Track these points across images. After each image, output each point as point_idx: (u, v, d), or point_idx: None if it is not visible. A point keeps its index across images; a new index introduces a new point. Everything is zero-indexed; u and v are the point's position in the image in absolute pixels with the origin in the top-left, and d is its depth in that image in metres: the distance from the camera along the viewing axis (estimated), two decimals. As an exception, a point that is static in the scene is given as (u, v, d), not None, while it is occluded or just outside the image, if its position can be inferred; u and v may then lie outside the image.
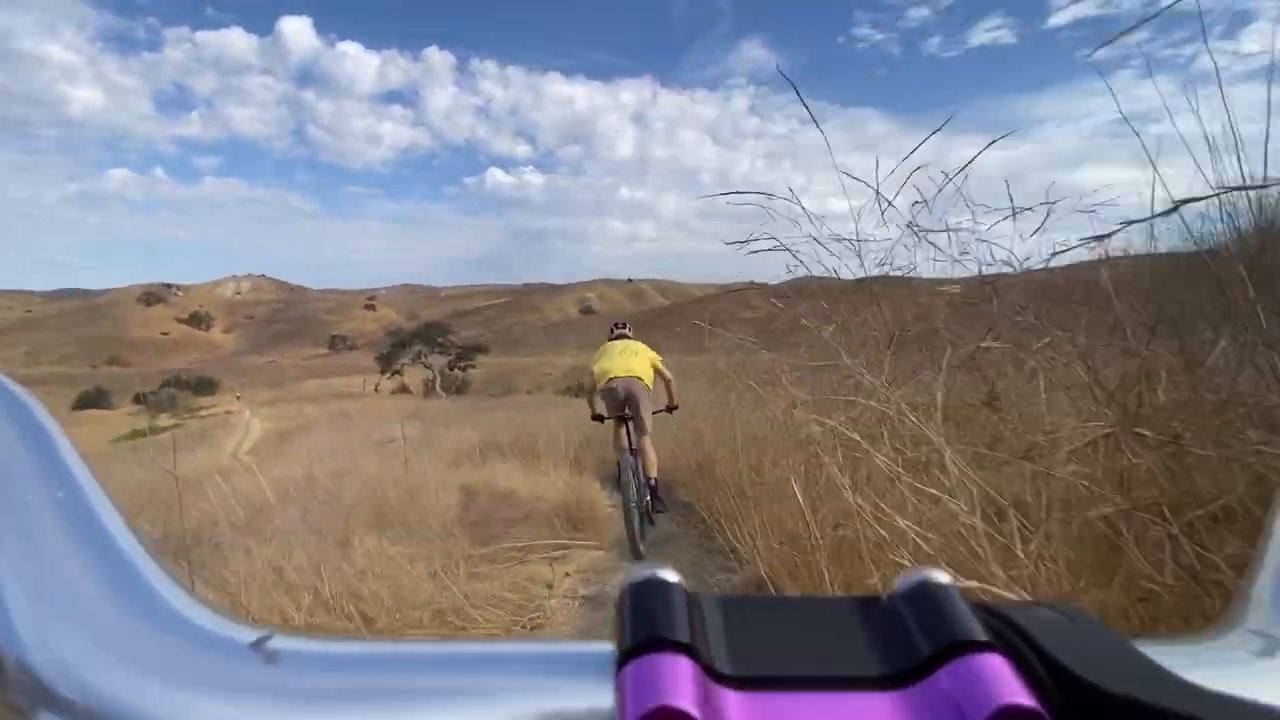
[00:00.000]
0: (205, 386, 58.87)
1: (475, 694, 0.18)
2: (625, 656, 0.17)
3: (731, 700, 0.16)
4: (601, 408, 3.79)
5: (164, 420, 33.47)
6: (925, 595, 0.19)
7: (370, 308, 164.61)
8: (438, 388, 42.17)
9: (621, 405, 3.60)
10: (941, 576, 0.19)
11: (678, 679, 0.16)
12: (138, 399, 49.25)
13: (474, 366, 46.83)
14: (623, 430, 3.63)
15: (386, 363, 45.89)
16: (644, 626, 0.18)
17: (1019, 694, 0.15)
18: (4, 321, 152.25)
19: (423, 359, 44.69)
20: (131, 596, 0.19)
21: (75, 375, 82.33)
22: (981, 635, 0.17)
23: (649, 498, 3.57)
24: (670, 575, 0.20)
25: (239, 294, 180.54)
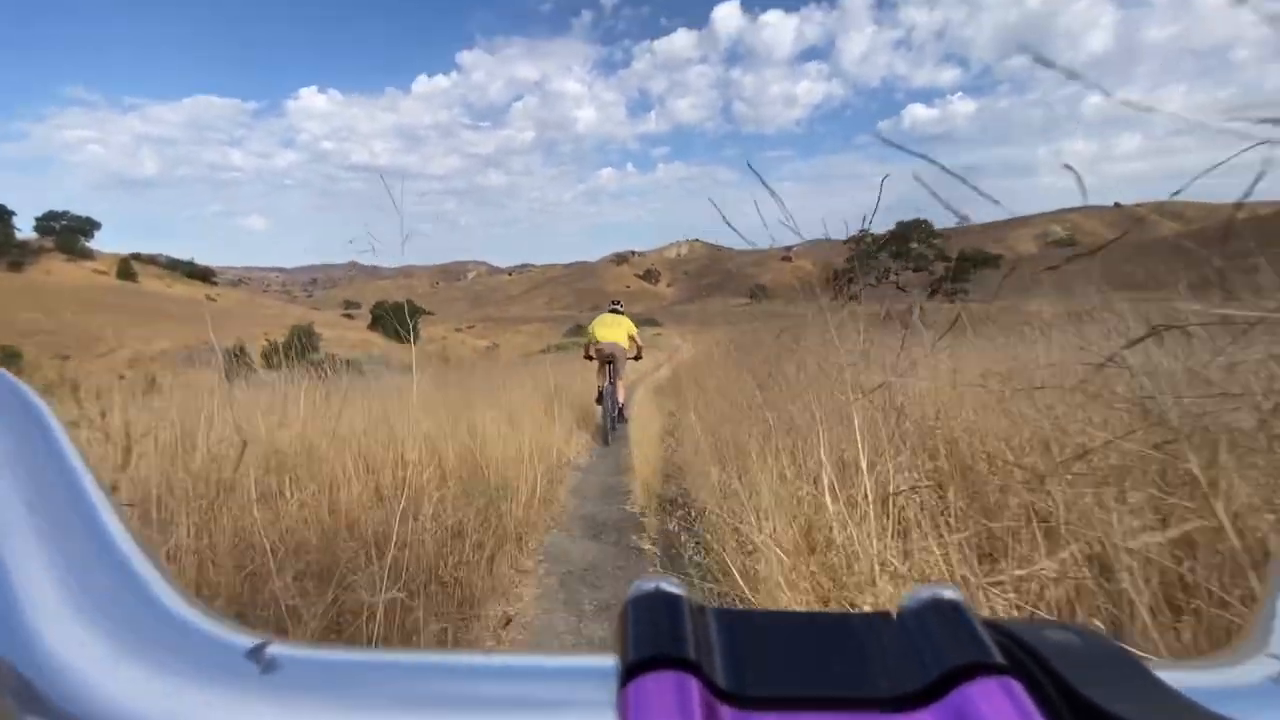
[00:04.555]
0: (649, 323, 69.97)
1: (474, 706, 0.17)
2: (628, 673, 0.16)
3: None
4: (594, 355, 5.86)
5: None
6: (936, 613, 0.18)
7: (787, 259, 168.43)
8: (916, 317, 27.74)
9: (608, 358, 5.64)
10: (952, 593, 0.18)
11: (682, 698, 0.16)
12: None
13: (965, 292, 29.15)
14: (605, 370, 5.64)
15: (840, 286, 33.25)
16: (647, 642, 0.17)
17: None
18: (535, 282, 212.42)
19: (892, 277, 30.54)
20: (130, 601, 0.19)
21: (573, 315, 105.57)
22: (996, 657, 0.16)
23: (616, 414, 5.65)
24: (675, 588, 0.19)
25: (679, 255, 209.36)
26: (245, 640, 0.19)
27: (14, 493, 0.20)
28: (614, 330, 5.81)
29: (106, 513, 0.21)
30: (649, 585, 0.19)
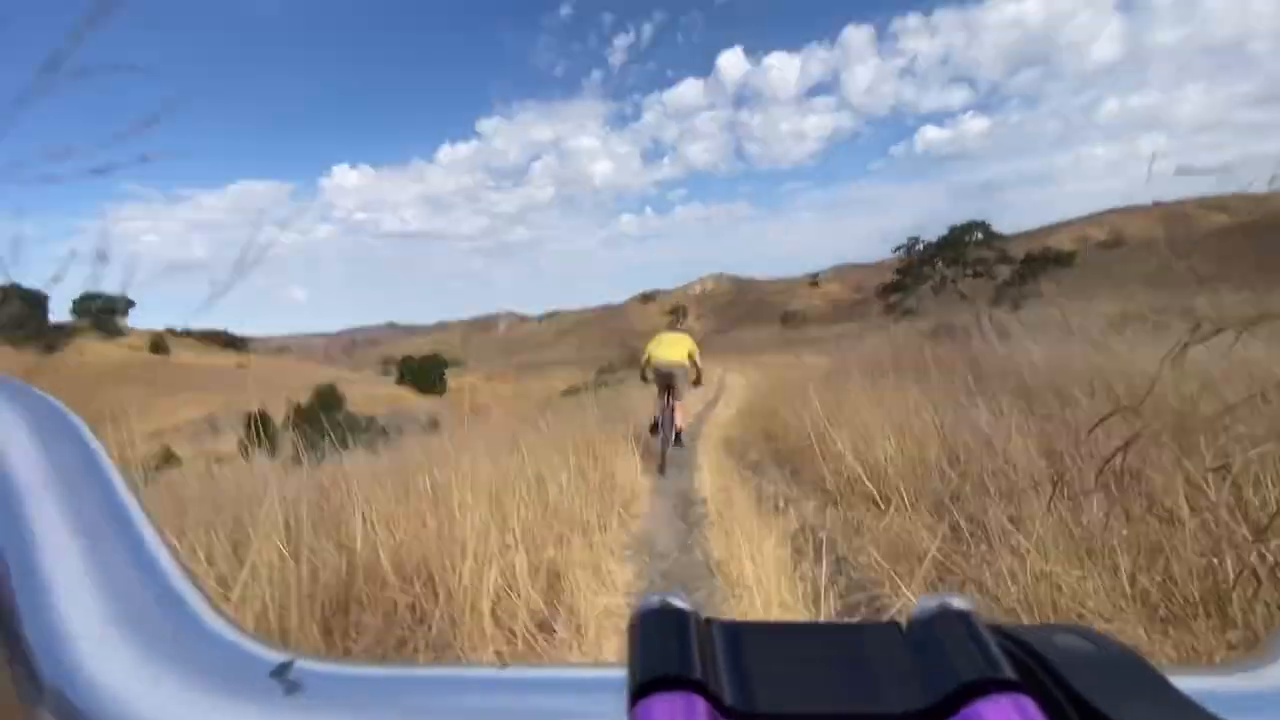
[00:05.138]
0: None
1: (491, 718, 0.18)
2: (636, 694, 0.16)
3: None
4: (651, 377, 5.50)
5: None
6: (945, 624, 0.18)
7: (814, 284, 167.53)
8: (986, 325, 20.86)
9: (666, 379, 5.28)
10: (962, 603, 0.18)
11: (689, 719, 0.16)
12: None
13: (1038, 294, 22.13)
14: (665, 395, 5.28)
15: (892, 295, 27.67)
16: (655, 660, 0.17)
17: None
18: (565, 327, 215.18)
19: (951, 283, 26.19)
20: (168, 618, 0.19)
21: (604, 355, 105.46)
22: (1008, 672, 0.16)
23: (675, 439, 5.34)
24: (681, 603, 0.19)
25: (704, 290, 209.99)
26: (273, 657, 0.19)
27: (56, 513, 0.20)
28: (674, 349, 5.33)
29: (145, 531, 0.21)
30: (655, 600, 0.19)
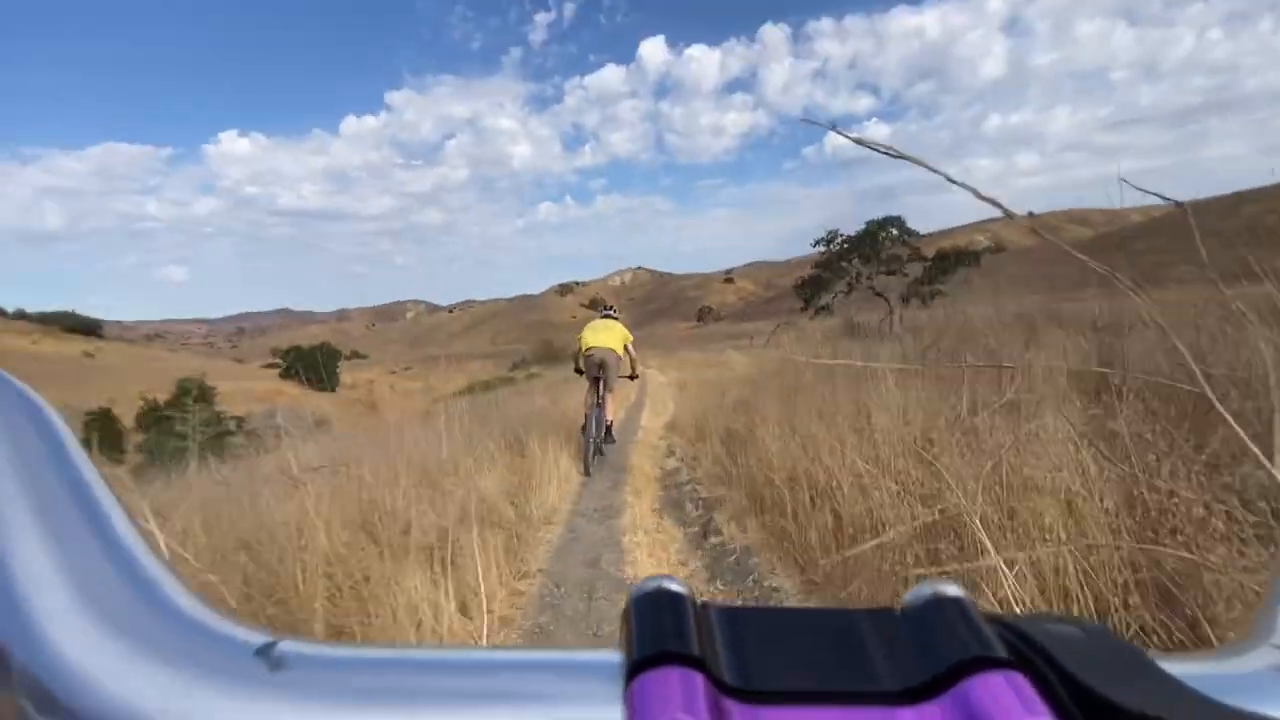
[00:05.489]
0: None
1: (482, 701, 0.17)
2: (634, 669, 0.17)
3: (742, 714, 0.16)
4: (583, 366, 4.96)
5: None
6: (939, 608, 0.18)
7: (729, 281, 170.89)
8: (896, 324, 23.10)
9: (597, 368, 4.79)
10: (954, 589, 0.19)
11: (688, 693, 0.16)
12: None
13: (942, 292, 24.37)
14: (595, 389, 4.85)
15: (810, 296, 26.94)
16: (652, 639, 0.17)
17: (1039, 711, 0.15)
18: (478, 318, 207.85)
19: (866, 282, 26.21)
20: (140, 600, 0.19)
21: (519, 349, 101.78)
22: (1000, 651, 0.16)
23: (604, 435, 4.97)
24: (678, 586, 0.19)
25: (624, 283, 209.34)
26: (254, 638, 0.19)
27: (19, 495, 0.20)
28: (606, 335, 4.97)
29: (114, 514, 0.20)
30: (652, 584, 0.19)
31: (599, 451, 4.88)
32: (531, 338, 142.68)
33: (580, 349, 4.97)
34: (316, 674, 0.18)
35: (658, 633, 0.17)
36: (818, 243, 27.02)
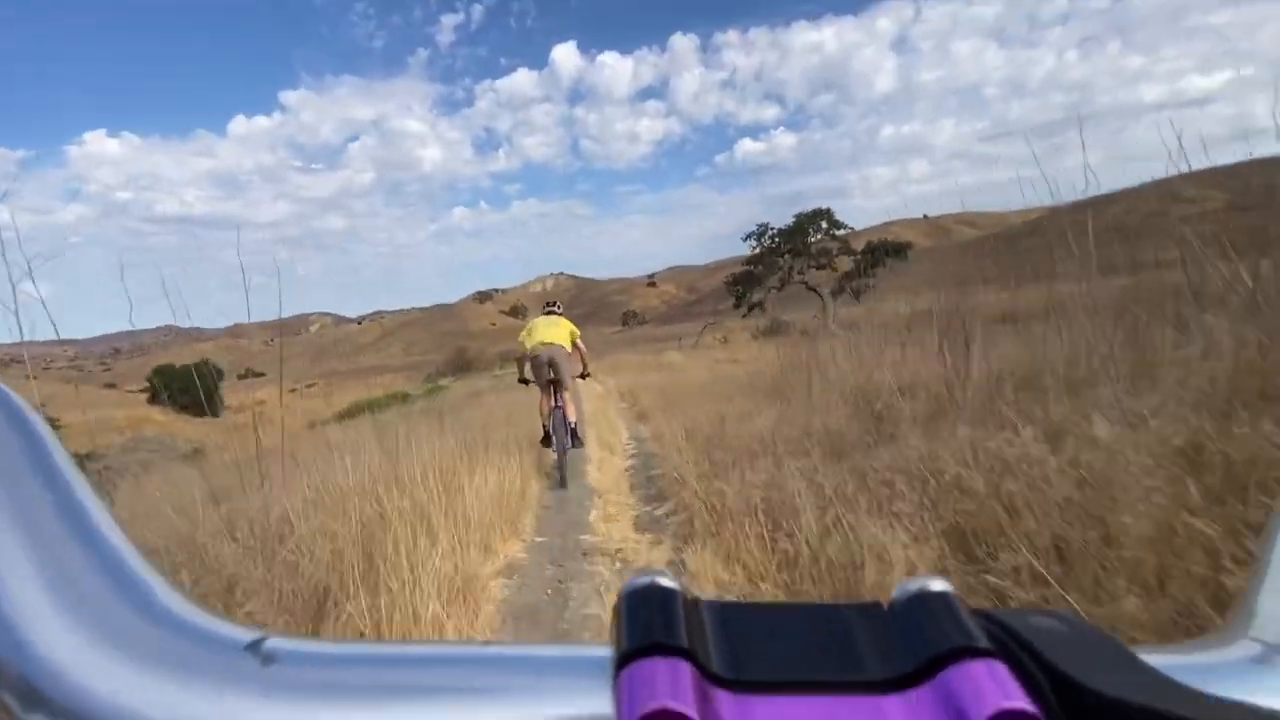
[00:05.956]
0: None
1: (471, 696, 0.17)
2: (623, 660, 0.17)
3: (730, 703, 0.16)
4: (529, 374, 4.57)
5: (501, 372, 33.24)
6: (925, 602, 0.18)
7: (652, 285, 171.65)
8: (832, 322, 23.00)
9: (547, 368, 4.39)
10: (940, 584, 0.19)
11: (676, 682, 0.16)
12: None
13: (871, 286, 25.26)
14: (549, 392, 4.44)
15: (742, 294, 26.32)
16: (642, 631, 0.17)
17: (1017, 698, 0.15)
18: (392, 327, 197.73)
19: (798, 277, 25.60)
20: (125, 598, 0.19)
21: (434, 360, 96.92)
22: (982, 641, 0.17)
23: (570, 440, 4.38)
24: (669, 581, 0.19)
25: (545, 289, 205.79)
26: (242, 635, 0.19)
27: (6, 499, 0.19)
28: (552, 331, 4.50)
29: (98, 515, 0.20)
30: (643, 579, 0.19)
31: (565, 467, 4.33)
32: (448, 348, 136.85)
33: (524, 353, 4.55)
34: (306, 670, 0.18)
35: (647, 625, 0.17)
36: (748, 237, 26.65)
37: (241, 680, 0.17)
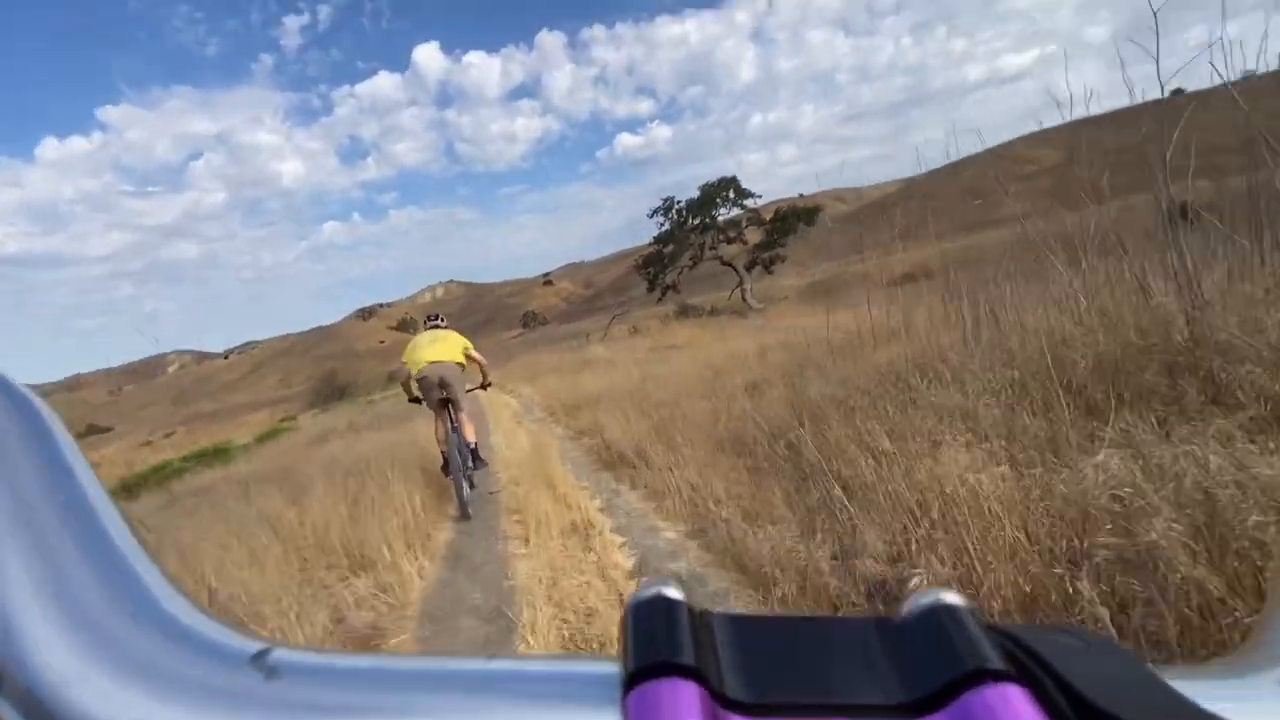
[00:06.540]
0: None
1: (478, 712, 0.17)
2: (631, 680, 0.16)
3: None
4: (419, 394, 4.12)
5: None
6: (940, 617, 0.18)
7: (549, 284, 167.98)
8: (749, 297, 23.80)
9: (438, 388, 3.97)
10: (955, 598, 0.19)
11: (685, 706, 0.15)
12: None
13: (782, 257, 25.61)
14: (443, 414, 4.04)
15: (654, 276, 25.28)
16: (649, 649, 0.17)
17: None
18: (263, 357, 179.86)
19: (710, 252, 25.02)
20: (133, 605, 0.18)
21: (317, 388, 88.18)
22: (1000, 664, 0.16)
23: (470, 464, 4.10)
24: (676, 593, 0.19)
25: (435, 298, 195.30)
26: (248, 646, 0.18)
27: (8, 498, 0.19)
28: (439, 347, 4.07)
29: (108, 516, 0.20)
30: (649, 591, 0.19)
31: (470, 483, 4.05)
32: (330, 374, 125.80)
33: (410, 374, 4.09)
34: (311, 685, 0.17)
35: (655, 642, 0.17)
36: (654, 213, 24.95)
37: (244, 697, 0.17)
